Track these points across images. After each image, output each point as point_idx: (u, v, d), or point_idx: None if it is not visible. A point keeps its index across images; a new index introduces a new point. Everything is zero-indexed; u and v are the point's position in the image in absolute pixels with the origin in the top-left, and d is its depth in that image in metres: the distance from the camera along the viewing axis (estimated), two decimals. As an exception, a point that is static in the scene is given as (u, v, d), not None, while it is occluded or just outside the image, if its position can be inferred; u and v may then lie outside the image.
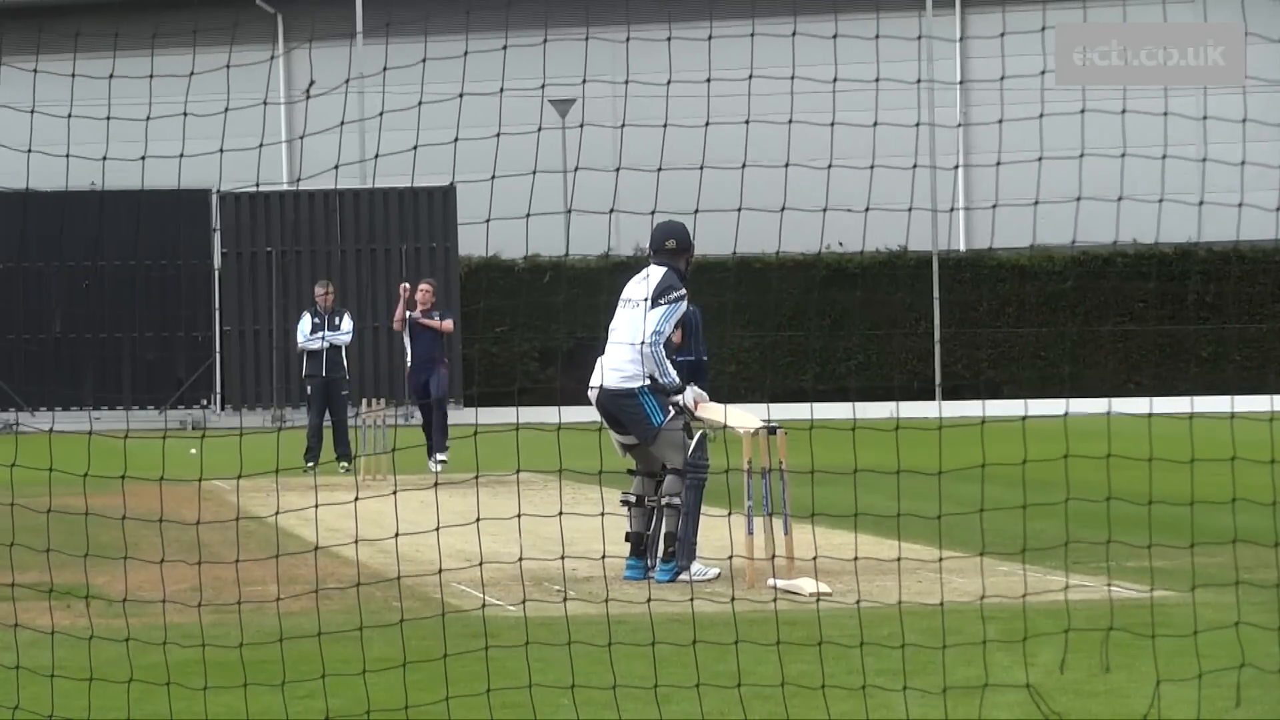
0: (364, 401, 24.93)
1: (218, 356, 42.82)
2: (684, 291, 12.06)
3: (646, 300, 11.86)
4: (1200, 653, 7.47)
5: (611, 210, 8.58)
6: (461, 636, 8.12)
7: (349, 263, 42.57)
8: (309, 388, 24.85)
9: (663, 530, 11.85)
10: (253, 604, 9.32)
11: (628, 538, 11.98)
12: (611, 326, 12.16)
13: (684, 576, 11.73)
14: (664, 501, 11.83)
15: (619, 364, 11.92)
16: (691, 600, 9.18)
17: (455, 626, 8.62)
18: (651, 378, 11.86)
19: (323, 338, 24.67)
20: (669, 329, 11.96)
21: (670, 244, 12.19)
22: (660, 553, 11.84)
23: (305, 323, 24.96)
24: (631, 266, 47.00)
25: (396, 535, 7.92)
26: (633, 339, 11.89)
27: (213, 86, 8.82)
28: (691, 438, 11.98)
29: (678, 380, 11.97)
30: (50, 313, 42.32)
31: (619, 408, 11.90)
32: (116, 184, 36.23)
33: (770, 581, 11.10)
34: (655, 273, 12.08)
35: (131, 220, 41.53)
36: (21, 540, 9.06)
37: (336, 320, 24.97)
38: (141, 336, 42.36)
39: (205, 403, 43.03)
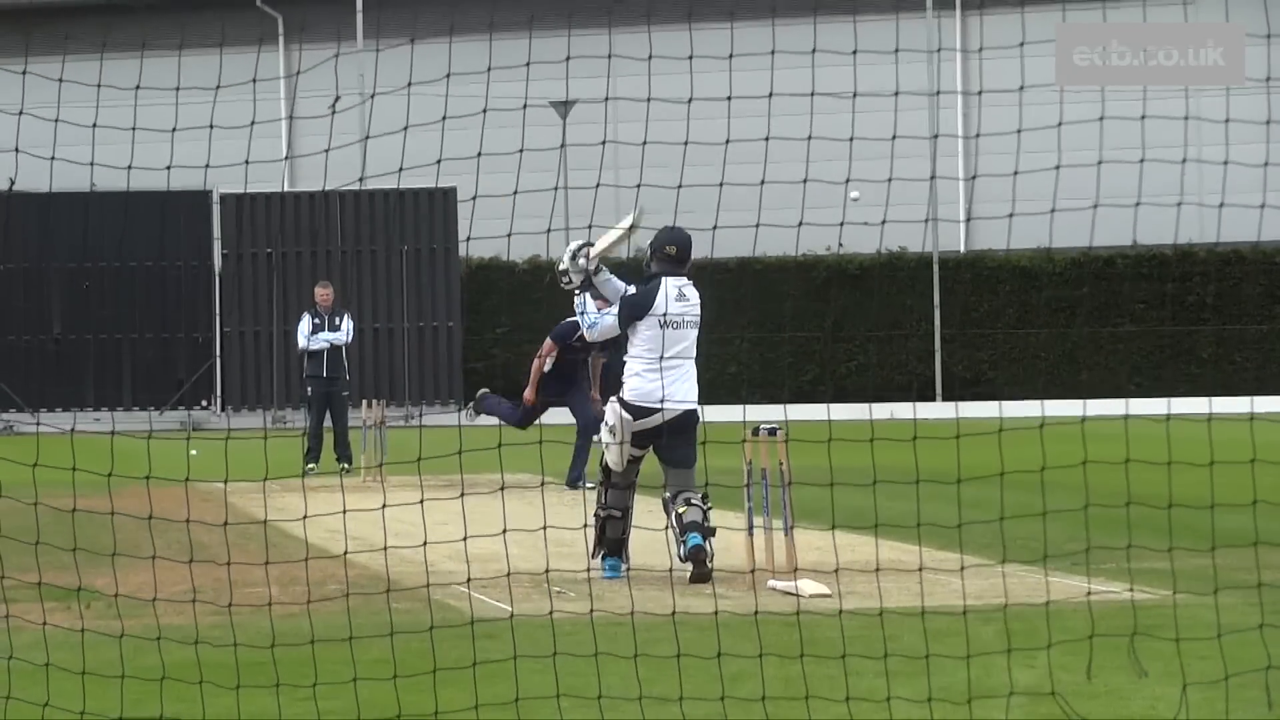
0: (364, 403, 24.91)
1: (218, 357, 42.82)
2: None
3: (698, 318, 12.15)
4: (1204, 654, 7.46)
5: (635, 238, 8.55)
6: (457, 639, 8.10)
7: (349, 264, 42.56)
8: (310, 389, 24.83)
9: (686, 519, 11.72)
10: (250, 606, 9.31)
11: (607, 542, 12.03)
12: (666, 346, 12.05)
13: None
14: (684, 497, 11.79)
15: (694, 386, 12.08)
16: (715, 598, 9.15)
17: (455, 631, 8.60)
18: None
19: (325, 338, 24.66)
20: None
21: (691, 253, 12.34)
22: (688, 530, 11.70)
23: (305, 323, 24.94)
24: (632, 267, 46.98)
25: (425, 543, 7.90)
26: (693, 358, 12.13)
27: (211, 87, 8.80)
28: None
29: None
30: (50, 313, 42.32)
31: (689, 427, 12.00)
32: (117, 185, 36.21)
33: (770, 583, 11.09)
34: (691, 287, 12.31)
35: (132, 221, 41.52)
36: (19, 540, 9.05)
37: (337, 321, 24.95)
38: (141, 337, 42.38)
39: (205, 404, 43.02)
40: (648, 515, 12.75)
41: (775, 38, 8.26)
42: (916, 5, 47.46)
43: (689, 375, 12.07)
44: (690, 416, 11.98)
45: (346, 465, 24.26)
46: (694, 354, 12.12)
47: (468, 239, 38.57)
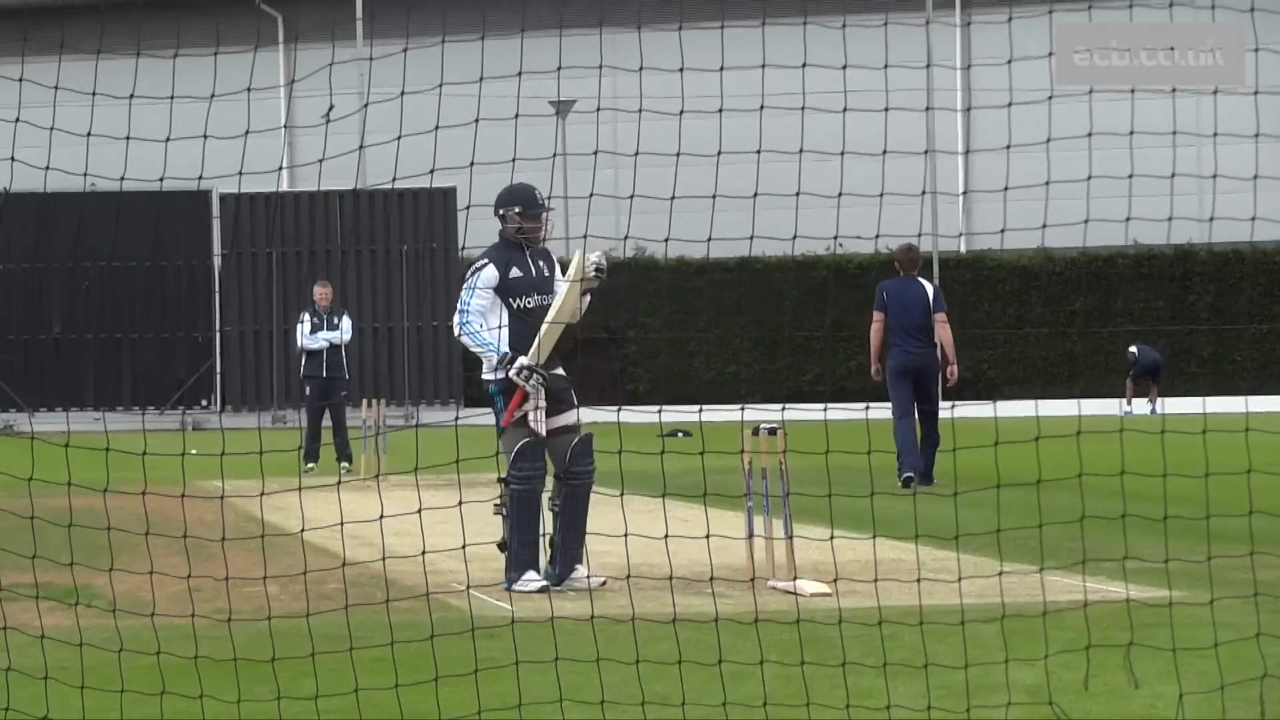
0: (364, 403, 24.91)
1: (218, 357, 42.84)
2: (484, 260, 11.44)
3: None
4: (1201, 654, 7.47)
5: (627, 237, 8.54)
6: (457, 641, 8.10)
7: (349, 263, 42.58)
8: (308, 389, 24.89)
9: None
10: (249, 606, 9.31)
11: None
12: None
13: (514, 587, 11.21)
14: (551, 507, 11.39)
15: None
16: (714, 596, 9.16)
17: (455, 631, 8.60)
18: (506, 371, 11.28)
19: (325, 337, 24.73)
20: (474, 302, 11.34)
21: (500, 211, 11.50)
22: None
23: (305, 323, 25.02)
24: (631, 267, 46.71)
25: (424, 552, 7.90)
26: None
27: (211, 87, 8.80)
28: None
29: (499, 348, 11.32)
30: (50, 313, 42.34)
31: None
32: (116, 185, 36.24)
33: (770, 583, 11.09)
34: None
35: (131, 221, 41.55)
36: (17, 541, 9.05)
37: (335, 320, 25.01)
38: (141, 337, 42.39)
39: (205, 403, 43.04)
40: (646, 516, 12.75)
41: (767, 34, 8.26)
42: (916, 5, 47.47)
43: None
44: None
45: (347, 465, 24.28)
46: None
47: (465, 233, 38.58)
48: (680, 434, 28.35)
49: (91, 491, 7.87)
